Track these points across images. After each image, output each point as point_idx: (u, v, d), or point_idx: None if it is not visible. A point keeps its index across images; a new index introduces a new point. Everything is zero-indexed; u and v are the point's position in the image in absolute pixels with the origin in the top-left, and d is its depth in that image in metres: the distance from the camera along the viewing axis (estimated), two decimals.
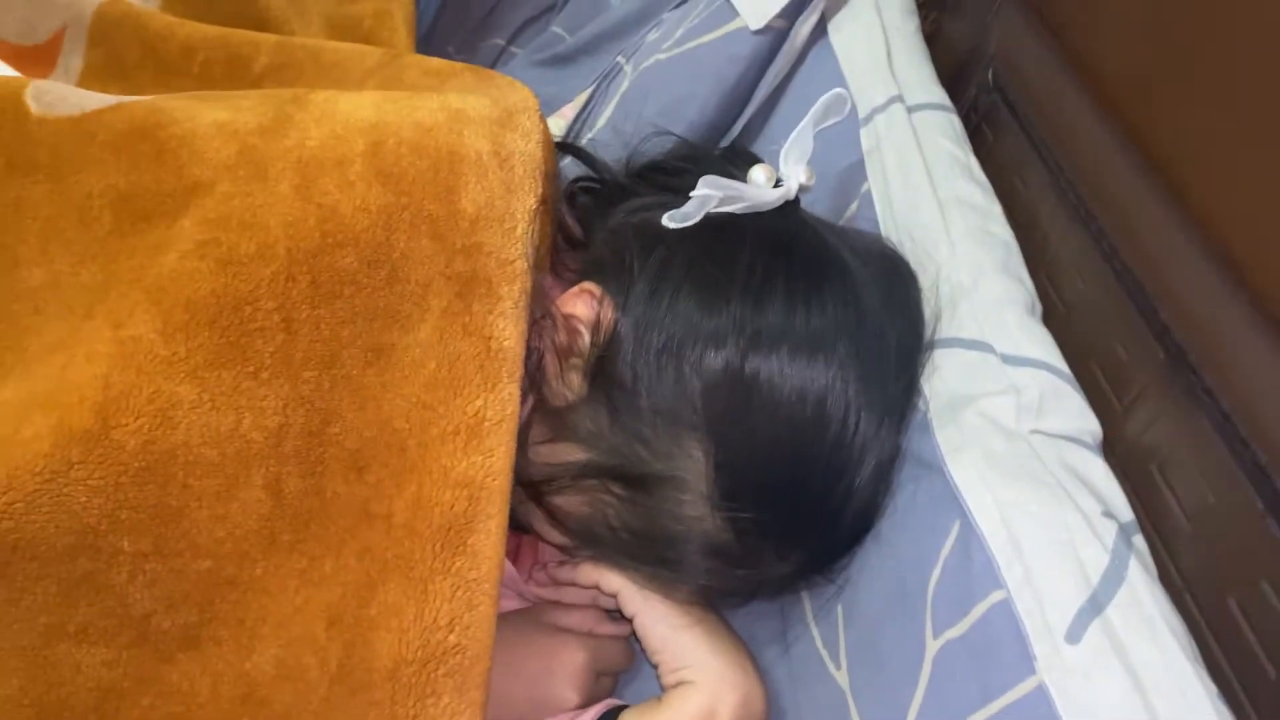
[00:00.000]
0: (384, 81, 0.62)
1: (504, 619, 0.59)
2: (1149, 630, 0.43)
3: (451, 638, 0.46)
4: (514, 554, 0.63)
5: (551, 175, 0.57)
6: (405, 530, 0.47)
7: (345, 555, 0.47)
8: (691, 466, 0.51)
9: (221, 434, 0.45)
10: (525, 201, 0.51)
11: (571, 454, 0.54)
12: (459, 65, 0.63)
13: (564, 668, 0.57)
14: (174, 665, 0.45)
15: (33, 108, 0.53)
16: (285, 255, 0.47)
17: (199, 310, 0.46)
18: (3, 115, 0.53)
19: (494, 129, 0.52)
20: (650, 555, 0.53)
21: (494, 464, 0.48)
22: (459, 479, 0.47)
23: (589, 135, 0.83)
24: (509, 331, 0.49)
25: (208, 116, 0.52)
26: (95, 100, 0.54)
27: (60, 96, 0.54)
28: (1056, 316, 0.60)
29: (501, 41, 1.03)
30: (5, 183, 0.52)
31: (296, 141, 0.50)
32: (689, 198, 0.53)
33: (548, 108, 0.90)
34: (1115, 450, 0.53)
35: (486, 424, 0.48)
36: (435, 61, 0.64)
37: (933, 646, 0.48)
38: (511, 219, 0.51)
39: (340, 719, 0.46)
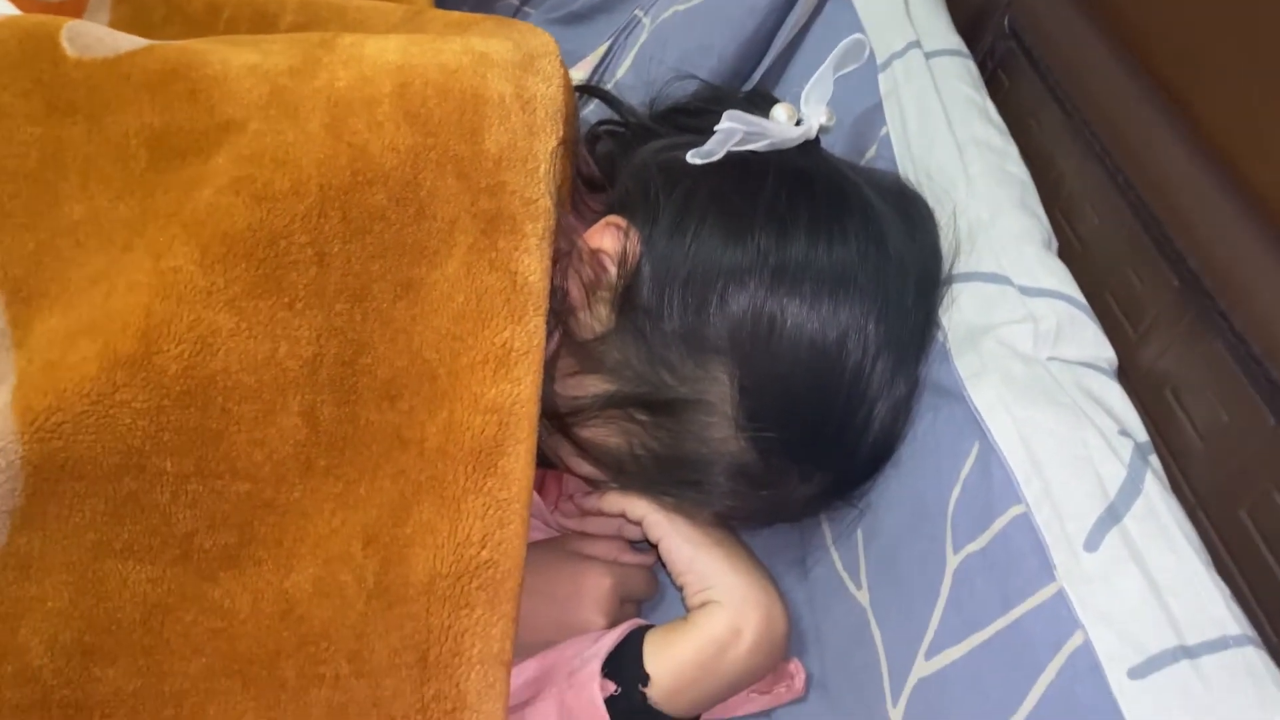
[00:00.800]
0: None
1: (532, 547, 0.60)
2: (1165, 538, 0.45)
3: (484, 553, 0.48)
4: (540, 486, 0.65)
5: (571, 118, 0.58)
6: (438, 454, 0.49)
7: (380, 478, 0.49)
8: (716, 390, 0.52)
9: (259, 361, 0.47)
10: (546, 143, 0.53)
11: (598, 385, 0.55)
12: (480, 15, 0.64)
13: (590, 592, 0.58)
14: (216, 583, 0.47)
15: (68, 49, 0.54)
16: (318, 191, 0.48)
17: (235, 243, 0.47)
18: (40, 57, 0.54)
19: (516, 72, 0.54)
20: (676, 480, 0.55)
21: (522, 392, 0.49)
22: (489, 405, 0.49)
23: (610, 83, 0.84)
24: (534, 267, 0.51)
25: (238, 59, 0.53)
26: (128, 42, 0.55)
27: (96, 38, 0.55)
28: (1072, 251, 0.62)
29: (515, 1, 1.04)
30: (46, 122, 0.53)
31: (326, 82, 0.51)
32: (714, 133, 0.54)
33: (565, 62, 0.91)
34: (1130, 377, 0.55)
35: (514, 354, 0.50)
36: (456, 14, 0.65)
37: (953, 561, 0.50)
38: (534, 160, 0.52)
39: (378, 631, 0.48)
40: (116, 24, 0.72)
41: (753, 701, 0.57)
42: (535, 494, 0.62)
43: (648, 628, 0.57)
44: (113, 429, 0.45)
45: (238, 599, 0.48)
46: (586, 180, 0.64)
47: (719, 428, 0.52)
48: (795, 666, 0.58)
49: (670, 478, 0.55)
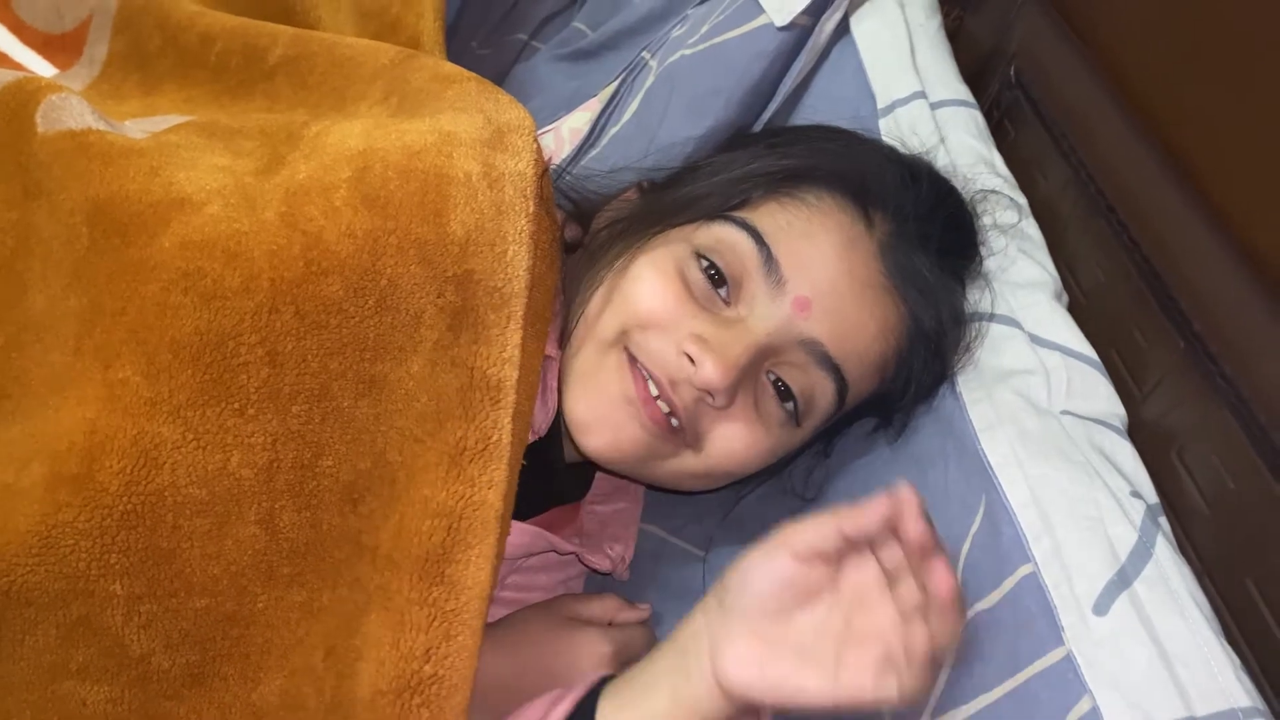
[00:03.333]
0: (392, 82, 0.61)
1: (525, 615, 0.59)
2: (1175, 604, 0.45)
3: (427, 668, 0.46)
4: (551, 523, 0.64)
5: (546, 193, 0.56)
6: (387, 561, 0.47)
7: (340, 586, 0.47)
8: None
9: (210, 473, 0.45)
10: (516, 222, 0.51)
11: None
12: (466, 74, 0.59)
13: (589, 661, 0.56)
14: (180, 701, 0.45)
15: (39, 126, 0.51)
16: (269, 287, 0.46)
17: (182, 349, 0.45)
18: (20, 138, 0.52)
19: (484, 150, 0.52)
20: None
21: (475, 494, 0.47)
22: (438, 509, 0.47)
23: (614, 129, 0.84)
24: (493, 358, 0.49)
25: (208, 160, 0.52)
26: (103, 125, 0.52)
27: (70, 112, 0.52)
28: (1077, 305, 0.62)
29: (524, 36, 1.04)
30: (21, 206, 0.51)
31: (286, 176, 0.50)
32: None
33: (571, 102, 0.91)
34: (1135, 436, 0.55)
35: (467, 454, 0.48)
36: (446, 66, 0.62)
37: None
38: (502, 242, 0.50)
39: None
40: (114, 55, 0.70)
41: None
42: (540, 529, 0.61)
43: (608, 680, 0.50)
44: (56, 552, 0.43)
45: (204, 715, 0.46)
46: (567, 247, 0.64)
47: None
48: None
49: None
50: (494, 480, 0.48)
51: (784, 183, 0.56)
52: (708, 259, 0.55)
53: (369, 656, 0.46)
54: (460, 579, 0.47)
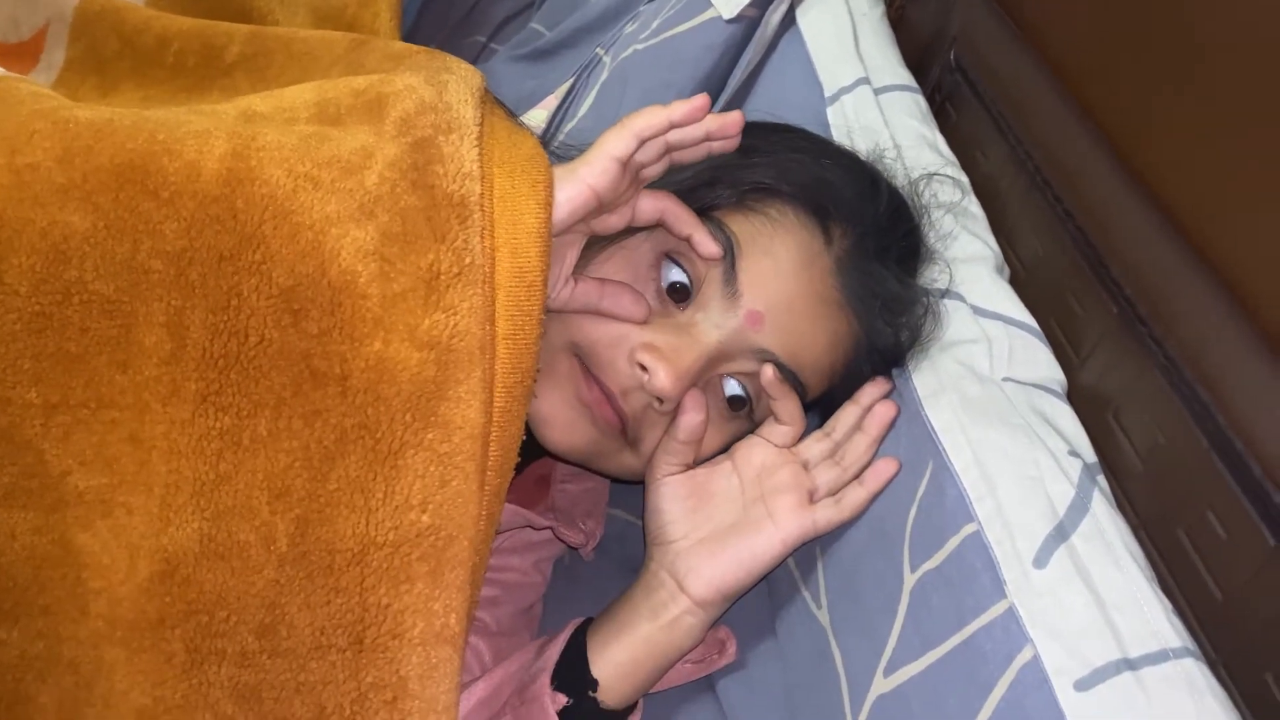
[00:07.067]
0: (349, 67, 0.62)
1: None
2: (1110, 555, 0.47)
3: (425, 518, 0.43)
4: (527, 501, 0.66)
5: (492, 102, 0.56)
6: (368, 395, 0.43)
7: (287, 416, 0.43)
8: None
9: (117, 263, 0.42)
10: (461, 94, 0.50)
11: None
12: (415, 47, 0.61)
13: None
14: (94, 534, 0.43)
15: None
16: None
17: (101, 135, 0.43)
18: None
19: (426, 79, 0.51)
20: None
21: (459, 323, 0.44)
22: (425, 338, 0.44)
23: (569, 125, 0.85)
24: (451, 174, 0.46)
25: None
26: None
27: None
28: (1016, 277, 0.64)
29: (482, 39, 1.06)
30: None
31: (244, 105, 0.50)
32: None
33: (528, 101, 0.93)
34: (1073, 400, 0.57)
35: (442, 278, 0.45)
36: (397, 45, 0.63)
37: (910, 580, 0.51)
38: (446, 109, 0.49)
39: (296, 604, 0.43)
40: (71, 61, 0.71)
41: (686, 672, 0.58)
42: (517, 507, 0.63)
43: (588, 623, 0.57)
44: None
45: (115, 554, 0.42)
46: None
47: None
48: (726, 633, 0.59)
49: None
50: (474, 306, 0.45)
51: (749, 194, 0.56)
52: (680, 267, 0.55)
53: (352, 504, 0.43)
54: (452, 418, 0.44)
